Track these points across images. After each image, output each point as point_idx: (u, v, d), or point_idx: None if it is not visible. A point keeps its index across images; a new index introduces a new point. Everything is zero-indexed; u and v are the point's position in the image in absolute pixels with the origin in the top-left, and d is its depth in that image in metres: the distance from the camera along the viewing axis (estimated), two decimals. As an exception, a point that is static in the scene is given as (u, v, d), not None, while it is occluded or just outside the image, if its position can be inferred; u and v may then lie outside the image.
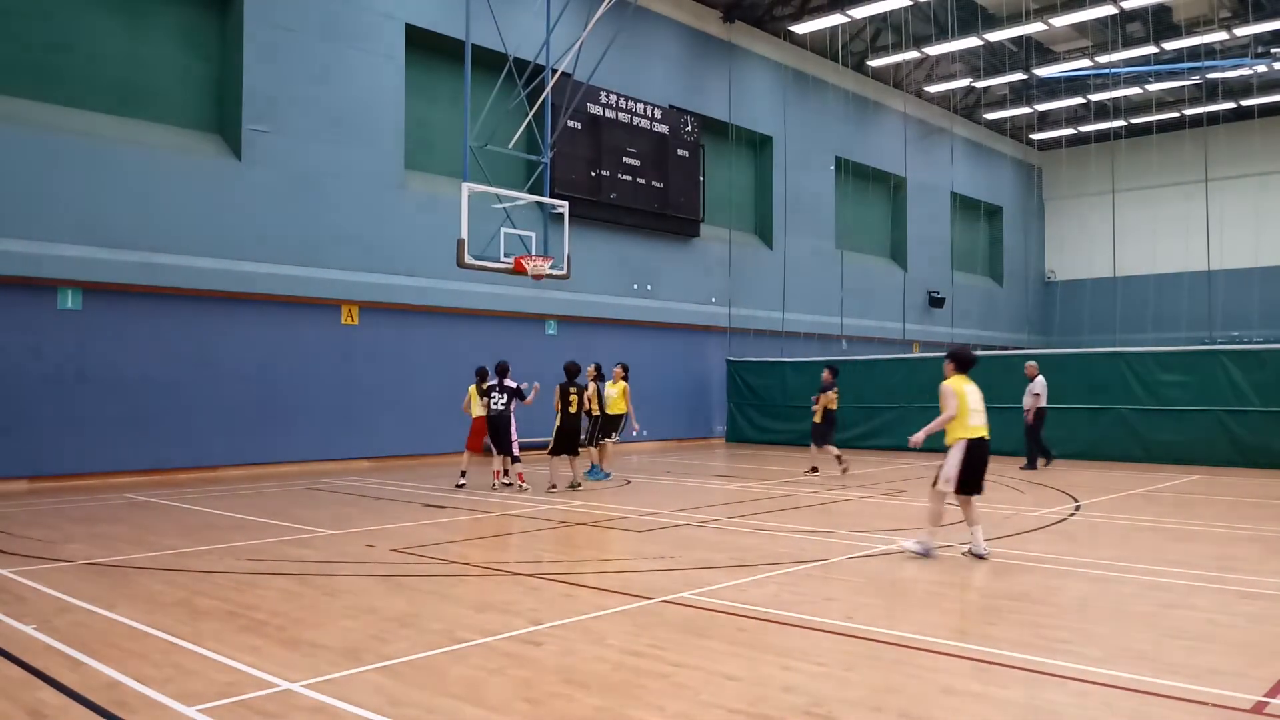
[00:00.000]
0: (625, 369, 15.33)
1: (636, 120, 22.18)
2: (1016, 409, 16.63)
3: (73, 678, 4.79)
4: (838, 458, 15.11)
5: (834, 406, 15.59)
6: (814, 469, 15.51)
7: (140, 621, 5.91)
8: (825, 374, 15.80)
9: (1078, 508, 11.46)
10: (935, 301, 32.45)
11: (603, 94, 21.24)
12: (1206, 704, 4.36)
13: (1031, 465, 16.31)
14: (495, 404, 13.32)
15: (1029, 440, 16.39)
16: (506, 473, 13.59)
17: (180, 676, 4.80)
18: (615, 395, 14.90)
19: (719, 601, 6.42)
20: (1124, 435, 17.56)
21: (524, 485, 13.37)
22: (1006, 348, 33.18)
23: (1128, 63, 27.81)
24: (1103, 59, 27.16)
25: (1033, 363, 16.84)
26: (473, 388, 14.23)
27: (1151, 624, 5.87)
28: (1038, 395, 16.25)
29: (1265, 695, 4.48)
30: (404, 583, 7.14)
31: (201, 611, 6.19)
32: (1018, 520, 10.45)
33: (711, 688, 4.61)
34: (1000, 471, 15.96)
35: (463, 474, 13.88)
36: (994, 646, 5.32)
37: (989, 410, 8.78)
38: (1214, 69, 28.07)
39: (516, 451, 13.43)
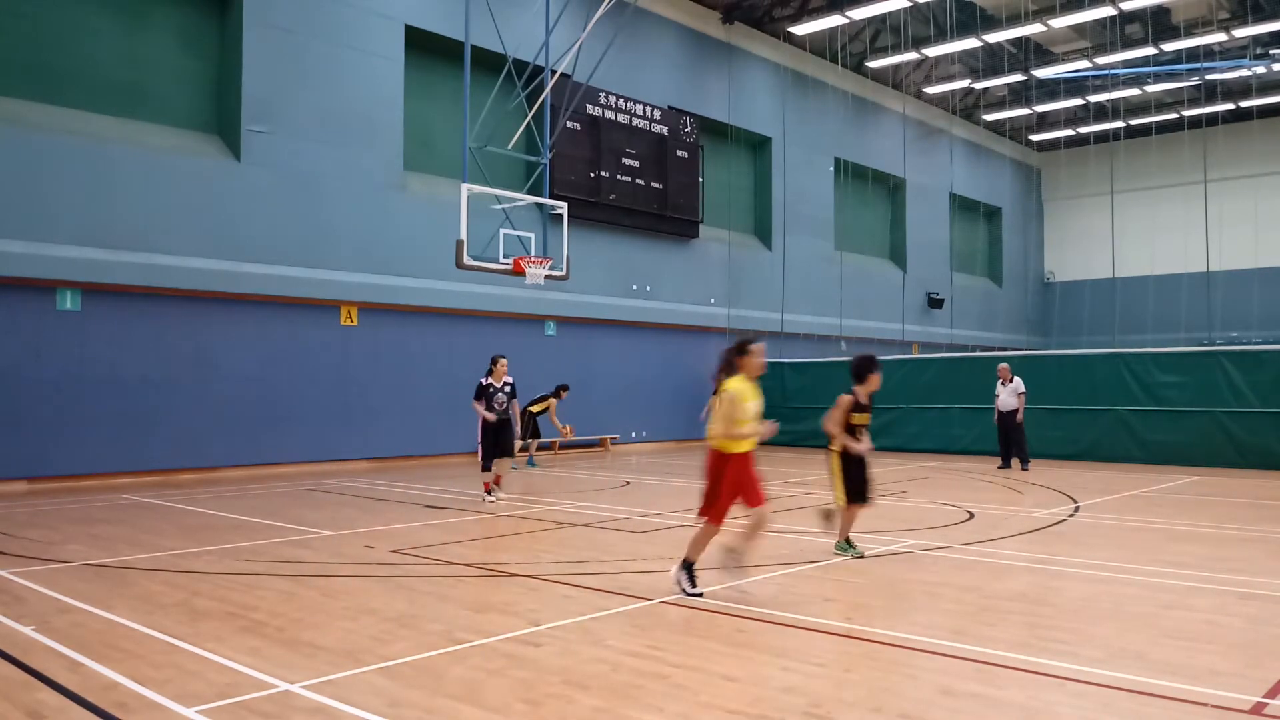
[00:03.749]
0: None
1: (636, 121, 22.19)
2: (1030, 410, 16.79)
3: (71, 679, 4.79)
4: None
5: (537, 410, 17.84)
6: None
7: (139, 622, 5.90)
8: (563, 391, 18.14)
9: (1077, 509, 11.46)
10: (934, 302, 32.47)
11: (602, 95, 21.25)
12: (1205, 705, 4.36)
13: (1025, 466, 16.36)
14: (500, 405, 12.17)
15: (1020, 440, 16.43)
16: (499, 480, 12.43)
17: (179, 677, 4.80)
18: None
19: (718, 602, 6.42)
20: (1123, 436, 17.57)
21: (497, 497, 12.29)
22: (1005, 349, 33.22)
23: (1127, 64, 27.83)
24: (1102, 60, 27.17)
25: (1005, 364, 16.87)
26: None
27: (1150, 625, 5.88)
28: (1023, 394, 16.33)
29: (1264, 696, 4.48)
30: (403, 583, 7.14)
31: (200, 612, 6.19)
32: (1017, 521, 10.45)
33: (710, 689, 4.61)
34: (996, 473, 15.97)
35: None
36: (992, 647, 5.33)
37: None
38: (1213, 70, 28.10)
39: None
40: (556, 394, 17.39)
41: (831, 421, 7.90)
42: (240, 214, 15.88)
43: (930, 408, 20.40)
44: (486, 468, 12.25)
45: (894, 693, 4.58)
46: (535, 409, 17.36)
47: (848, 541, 8.19)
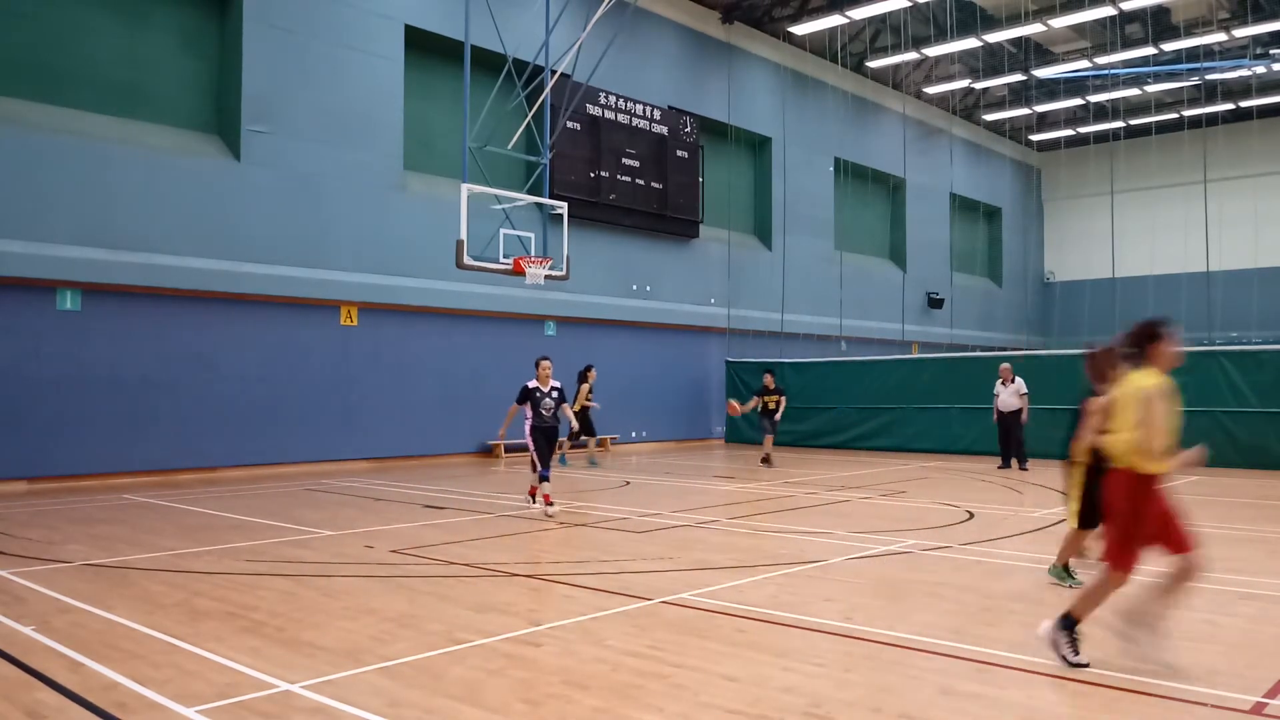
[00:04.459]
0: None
1: (636, 121, 22.19)
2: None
3: (71, 679, 4.79)
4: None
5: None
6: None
7: (139, 622, 5.90)
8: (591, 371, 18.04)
9: (1077, 509, 11.44)
10: (934, 302, 32.47)
11: (602, 95, 21.25)
12: (1205, 705, 4.36)
13: (1023, 466, 16.36)
14: (548, 410, 10.93)
15: (1020, 441, 16.43)
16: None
17: (179, 677, 4.80)
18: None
19: (718, 602, 6.42)
20: (1123, 436, 17.53)
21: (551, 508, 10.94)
22: (1005, 349, 33.21)
23: (1127, 64, 27.82)
24: (1102, 60, 27.16)
25: (1007, 364, 16.83)
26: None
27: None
28: (1026, 395, 16.32)
29: (1264, 696, 4.49)
30: (403, 584, 7.14)
31: (201, 612, 6.19)
32: (1016, 521, 10.45)
33: (710, 688, 4.62)
34: (996, 473, 15.96)
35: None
36: (992, 647, 5.33)
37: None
38: (1213, 70, 28.10)
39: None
40: (584, 377, 17.55)
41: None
42: (240, 214, 15.88)
43: (930, 408, 20.40)
44: (545, 476, 10.87)
45: (894, 693, 4.58)
46: (578, 406, 17.31)
47: (1065, 569, 6.92)
